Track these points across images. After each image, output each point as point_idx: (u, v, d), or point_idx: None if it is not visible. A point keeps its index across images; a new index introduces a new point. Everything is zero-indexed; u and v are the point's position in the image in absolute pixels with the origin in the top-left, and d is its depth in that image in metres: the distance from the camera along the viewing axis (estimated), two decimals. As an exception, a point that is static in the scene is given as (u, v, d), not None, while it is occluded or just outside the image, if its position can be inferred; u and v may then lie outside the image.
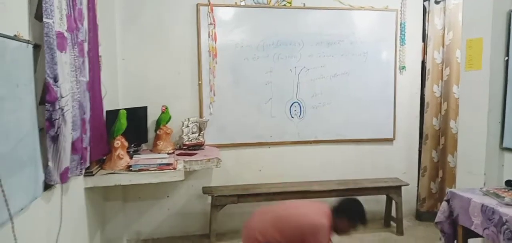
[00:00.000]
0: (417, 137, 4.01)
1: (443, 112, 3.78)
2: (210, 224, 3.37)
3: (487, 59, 2.62)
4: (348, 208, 2.45)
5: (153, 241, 3.47)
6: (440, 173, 3.84)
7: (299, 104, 3.74)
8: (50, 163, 1.70)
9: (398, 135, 3.96)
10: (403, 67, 3.89)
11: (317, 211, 2.37)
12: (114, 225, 3.30)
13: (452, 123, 3.68)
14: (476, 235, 2.21)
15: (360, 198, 3.77)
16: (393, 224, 3.78)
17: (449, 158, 3.71)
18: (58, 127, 1.71)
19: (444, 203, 2.34)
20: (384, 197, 3.86)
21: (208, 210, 3.50)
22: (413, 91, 3.95)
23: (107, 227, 3.25)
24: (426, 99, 3.84)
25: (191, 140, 3.37)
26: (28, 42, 1.58)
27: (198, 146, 3.36)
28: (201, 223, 3.61)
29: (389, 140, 3.96)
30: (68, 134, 1.84)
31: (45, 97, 1.67)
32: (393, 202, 3.72)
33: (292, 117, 3.74)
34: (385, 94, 3.88)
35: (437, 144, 3.85)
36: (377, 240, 3.52)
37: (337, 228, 2.40)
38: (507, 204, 2.01)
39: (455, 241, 2.33)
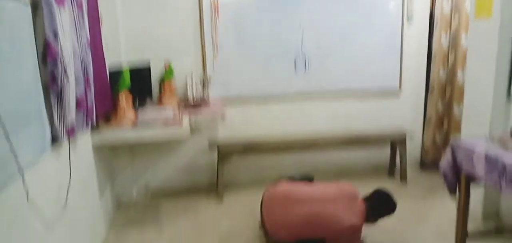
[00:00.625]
0: (423, 88, 3.97)
1: (450, 63, 3.72)
2: (217, 177, 3.45)
3: (497, 6, 2.54)
4: (383, 206, 2.44)
5: (161, 193, 3.57)
6: (445, 124, 3.84)
7: (304, 57, 3.69)
8: (55, 119, 1.73)
9: (404, 87, 3.92)
10: (411, 17, 3.78)
11: (353, 211, 2.33)
12: (123, 179, 3.39)
13: (459, 74, 3.63)
14: (478, 181, 2.24)
15: (365, 150, 3.86)
16: (397, 173, 3.83)
17: (455, 108, 3.69)
18: (61, 84, 1.72)
19: (448, 152, 2.35)
20: (388, 147, 3.90)
21: (214, 163, 3.56)
22: (420, 42, 3.86)
23: (117, 181, 3.35)
24: (434, 50, 3.77)
25: (195, 96, 3.38)
26: (25, -3, 1.55)
27: (203, 102, 3.37)
28: (208, 176, 3.70)
29: (395, 92, 3.92)
30: (71, 91, 1.85)
31: (46, 54, 1.67)
32: (398, 152, 3.76)
33: (297, 70, 3.70)
34: (392, 45, 3.81)
35: (443, 94, 3.82)
36: (381, 190, 3.59)
37: (367, 220, 2.41)
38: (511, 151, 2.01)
39: (458, 188, 2.37)
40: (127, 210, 3.25)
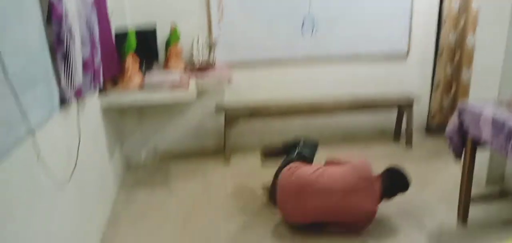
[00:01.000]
0: (432, 52, 3.90)
1: (460, 26, 3.63)
2: (224, 140, 3.49)
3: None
4: (397, 185, 2.39)
5: (170, 156, 3.63)
6: (453, 88, 3.79)
7: (311, 19, 3.62)
8: (63, 80, 1.75)
9: (412, 50, 3.86)
10: (422, -22, 3.67)
11: (370, 197, 2.27)
12: (132, 142, 3.45)
13: (469, 37, 3.55)
14: (484, 145, 2.24)
15: (371, 114, 3.85)
16: (402, 138, 3.84)
17: (464, 72, 3.64)
18: (67, 45, 1.72)
19: (455, 115, 2.34)
20: (395, 112, 3.89)
21: (221, 127, 3.60)
22: (431, 4, 3.75)
23: (125, 144, 3.41)
24: (444, 13, 3.67)
25: (201, 59, 3.36)
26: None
27: (209, 66, 3.36)
28: (216, 139, 3.74)
29: (403, 56, 3.86)
30: (77, 52, 1.85)
31: (51, 15, 1.67)
32: (404, 117, 3.75)
33: (304, 33, 3.65)
34: (401, 8, 3.71)
35: (452, 58, 3.76)
36: (386, 153, 3.61)
37: (381, 200, 2.36)
38: (519, 115, 2.00)
39: (463, 153, 2.37)
40: (136, 172, 3.33)
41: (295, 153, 2.62)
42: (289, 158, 2.59)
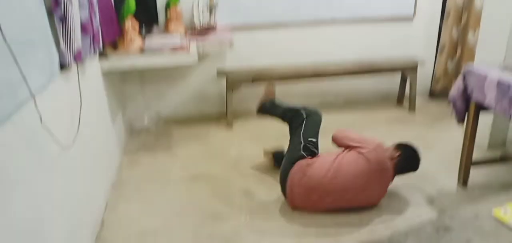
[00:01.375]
0: (439, 15, 3.81)
1: (469, -15, 3.52)
2: (226, 105, 3.48)
3: None
4: (409, 165, 2.30)
5: (172, 121, 3.64)
6: (459, 51, 3.73)
7: (315, -20, 3.52)
8: (62, 44, 1.72)
9: (418, 13, 3.77)
10: None
11: (383, 185, 2.22)
12: (134, 106, 3.45)
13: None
14: (487, 110, 2.22)
15: (375, 78, 3.81)
16: (406, 102, 3.82)
17: (470, 35, 3.56)
18: (65, 7, 1.68)
19: (459, 79, 2.31)
20: (398, 76, 3.85)
21: (223, 92, 3.58)
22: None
23: (128, 108, 3.41)
24: (453, -29, 3.56)
25: (202, 22, 3.30)
26: None
27: (210, 29, 3.30)
28: (218, 104, 3.73)
29: (409, 18, 3.78)
30: (75, 15, 1.81)
31: (48, -25, 1.62)
32: (408, 81, 3.71)
33: (308, -5, 3.56)
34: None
35: (458, 21, 3.67)
36: (389, 118, 3.61)
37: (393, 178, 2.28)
38: (524, 78, 1.97)
39: (466, 116, 2.36)
40: (139, 136, 3.35)
41: (301, 146, 2.31)
42: (295, 153, 2.30)
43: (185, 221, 2.22)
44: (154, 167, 2.84)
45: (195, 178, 2.68)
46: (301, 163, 2.24)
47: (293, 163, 2.26)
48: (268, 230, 2.14)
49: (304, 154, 2.28)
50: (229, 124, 3.46)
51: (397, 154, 2.26)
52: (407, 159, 2.28)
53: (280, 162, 2.40)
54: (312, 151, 2.31)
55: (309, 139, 2.35)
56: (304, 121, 2.42)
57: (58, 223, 1.63)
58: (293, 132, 2.45)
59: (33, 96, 1.40)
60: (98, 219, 2.22)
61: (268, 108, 2.71)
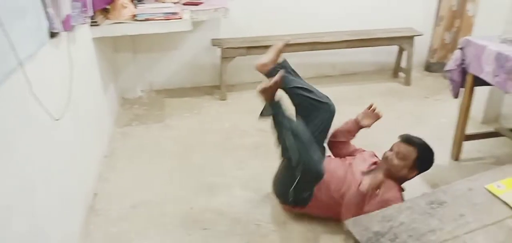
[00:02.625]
0: (438, -16, 3.74)
1: (470, -45, 3.44)
2: (220, 76, 3.43)
3: None
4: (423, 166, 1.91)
5: (165, 91, 3.59)
6: (457, 23, 3.69)
7: None
8: (49, 10, 1.65)
9: (417, -18, 3.70)
10: None
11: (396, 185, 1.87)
12: (126, 77, 3.39)
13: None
14: (483, 84, 2.21)
15: (370, 49, 3.76)
16: (401, 75, 3.80)
17: (469, 6, 3.52)
18: (53, -29, 1.61)
19: (457, 51, 2.29)
20: (395, 48, 3.81)
21: (217, 62, 3.52)
22: None
23: (120, 79, 3.35)
24: None
25: (196, -11, 3.20)
26: None
27: (204, -4, 3.21)
28: (212, 75, 3.68)
29: (407, -12, 3.71)
30: (64, -21, 1.74)
31: None
32: (404, 53, 3.68)
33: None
34: None
35: (458, -8, 3.61)
36: (383, 90, 3.59)
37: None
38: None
39: (462, 90, 2.35)
40: (132, 107, 3.30)
41: (290, 198, 1.91)
42: (285, 192, 1.92)
43: (179, 193, 2.22)
44: (147, 138, 2.82)
45: (188, 150, 2.66)
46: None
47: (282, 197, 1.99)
48: (262, 202, 2.15)
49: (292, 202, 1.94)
50: (223, 96, 3.43)
51: (414, 173, 1.90)
52: (424, 166, 1.92)
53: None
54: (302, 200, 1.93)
55: (300, 196, 1.92)
56: (300, 176, 1.80)
57: (50, 193, 1.61)
58: (287, 163, 1.86)
59: (21, 64, 1.35)
60: (91, 190, 2.21)
61: (274, 115, 1.88)
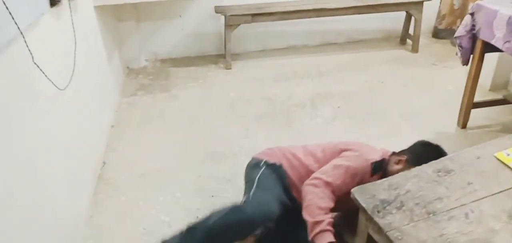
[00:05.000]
0: None
1: None
2: (225, 45, 3.39)
3: None
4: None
5: (170, 60, 3.56)
6: (468, -13, 3.58)
7: None
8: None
9: None
10: None
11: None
12: (130, 45, 3.35)
13: None
14: (493, 50, 2.16)
15: (377, 16, 3.67)
16: (409, 42, 3.73)
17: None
18: None
19: (467, 16, 2.23)
20: (403, 15, 3.72)
21: (222, 30, 3.47)
22: None
23: (124, 48, 3.32)
24: None
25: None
26: None
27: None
28: (216, 44, 3.63)
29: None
30: None
31: None
32: (412, 19, 3.60)
33: None
34: None
35: (470, -46, 3.48)
36: (390, 58, 3.54)
37: (389, 171, 1.57)
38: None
39: (471, 57, 2.30)
40: (137, 77, 3.29)
41: None
42: None
43: (186, 162, 2.24)
44: (153, 108, 2.81)
45: (194, 119, 2.66)
46: None
47: None
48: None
49: None
50: (228, 65, 3.39)
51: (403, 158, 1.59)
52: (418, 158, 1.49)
53: None
54: None
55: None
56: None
57: (57, 164, 1.62)
58: None
59: (22, 33, 1.33)
60: (99, 159, 2.23)
61: None
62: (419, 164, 1.33)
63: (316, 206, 1.44)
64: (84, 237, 1.78)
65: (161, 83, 3.17)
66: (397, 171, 1.41)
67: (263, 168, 1.63)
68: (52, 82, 1.58)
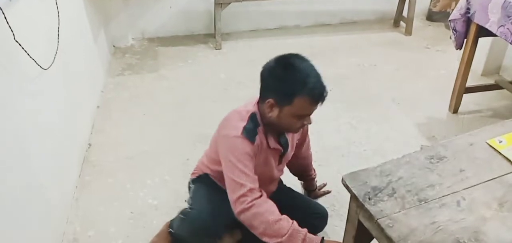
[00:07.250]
0: None
1: None
2: (214, 24, 3.31)
3: None
4: (272, 78, 1.42)
5: (158, 39, 3.47)
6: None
7: None
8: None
9: None
10: None
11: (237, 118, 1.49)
12: (117, 23, 3.25)
13: None
14: (487, 35, 2.14)
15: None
16: (402, 24, 3.69)
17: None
18: None
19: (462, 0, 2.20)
20: (397, -5, 3.68)
21: (211, 9, 3.38)
22: None
23: (111, 26, 3.21)
24: None
25: None
26: None
27: None
28: (206, 23, 3.55)
29: None
30: None
31: None
32: (406, 1, 3.56)
33: None
34: None
35: None
36: (384, 40, 3.50)
37: (270, 122, 1.42)
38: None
39: (465, 40, 2.28)
40: (124, 56, 3.20)
41: None
42: None
43: (175, 145, 2.20)
44: (140, 88, 2.75)
45: (183, 101, 2.61)
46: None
47: None
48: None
49: None
50: (218, 45, 3.32)
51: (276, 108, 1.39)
52: (267, 74, 1.45)
53: None
54: None
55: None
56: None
57: (43, 144, 1.58)
58: None
59: (1, 9, 1.26)
60: (85, 141, 2.17)
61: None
62: (287, 93, 1.31)
63: (270, 222, 1.27)
64: (70, 220, 1.74)
65: (149, 63, 3.09)
66: (277, 117, 1.36)
67: (192, 187, 1.58)
68: (35, 61, 1.51)
